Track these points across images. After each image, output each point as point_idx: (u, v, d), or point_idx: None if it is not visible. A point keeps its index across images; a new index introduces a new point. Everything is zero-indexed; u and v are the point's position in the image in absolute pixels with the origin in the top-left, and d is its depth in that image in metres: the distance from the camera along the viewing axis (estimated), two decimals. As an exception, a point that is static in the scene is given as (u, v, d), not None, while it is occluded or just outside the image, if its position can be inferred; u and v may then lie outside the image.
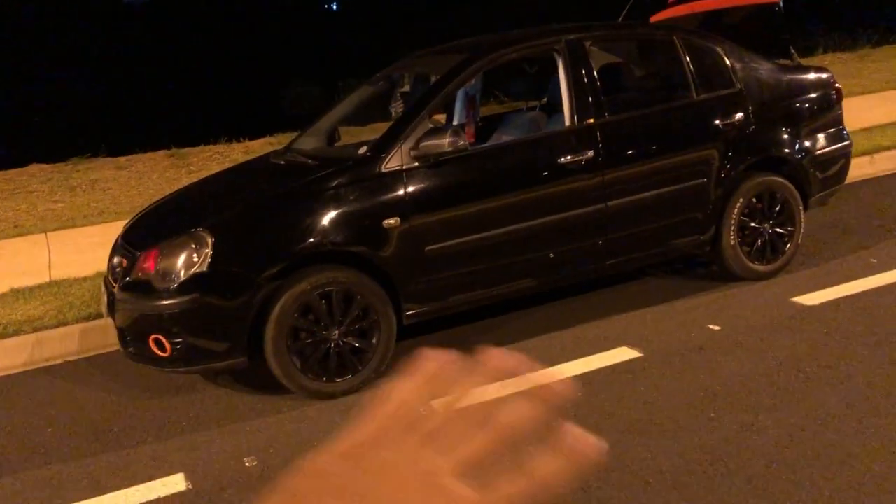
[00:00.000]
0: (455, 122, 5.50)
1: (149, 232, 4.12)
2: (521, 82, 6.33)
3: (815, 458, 2.92)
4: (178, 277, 3.64)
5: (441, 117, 5.89)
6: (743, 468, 2.90)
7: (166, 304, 3.64)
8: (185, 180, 7.56)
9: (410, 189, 3.90)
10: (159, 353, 3.71)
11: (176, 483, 3.23)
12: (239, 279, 3.65)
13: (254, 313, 3.67)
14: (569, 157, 4.21)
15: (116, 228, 4.85)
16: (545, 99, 5.39)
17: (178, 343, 3.66)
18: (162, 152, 9.63)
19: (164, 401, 4.01)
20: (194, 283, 3.62)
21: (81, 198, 8.23)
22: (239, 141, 9.98)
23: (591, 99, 4.32)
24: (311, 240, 3.72)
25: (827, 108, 5.03)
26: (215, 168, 8.06)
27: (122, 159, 9.43)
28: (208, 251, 3.63)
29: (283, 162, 4.56)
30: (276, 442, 3.47)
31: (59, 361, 4.63)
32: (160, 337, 3.66)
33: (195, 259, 3.64)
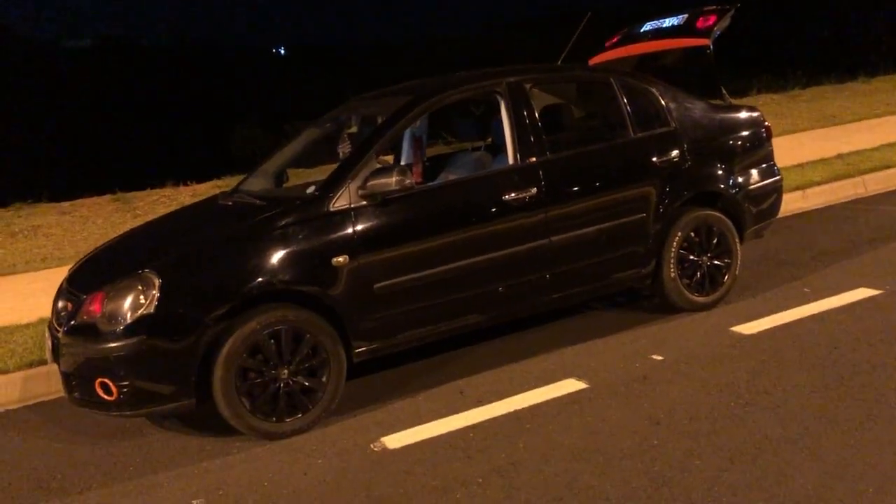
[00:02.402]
0: (402, 163, 5.60)
1: (94, 275, 4.09)
2: (467, 123, 6.47)
3: (755, 481, 3.01)
4: (125, 319, 3.61)
5: (389, 158, 5.98)
6: (685, 493, 2.98)
7: (113, 347, 3.61)
8: (131, 224, 7.48)
9: (359, 227, 3.95)
10: (105, 396, 3.66)
11: (123, 528, 3.18)
12: (187, 320, 3.64)
13: (202, 354, 3.65)
14: (513, 195, 4.32)
15: (59, 274, 4.79)
16: (490, 139, 5.53)
17: (125, 386, 3.62)
18: (107, 196, 9.54)
19: (110, 446, 3.95)
20: (141, 324, 3.60)
21: (23, 244, 8.09)
22: (186, 184, 9.95)
23: (532, 138, 4.46)
24: (260, 279, 3.74)
25: (758, 144, 5.26)
26: (161, 212, 8.01)
27: (65, 204, 9.31)
28: (155, 293, 3.62)
29: (230, 203, 4.58)
30: (225, 484, 3.44)
31: (-1, 410, 4.52)
32: (106, 380, 3.62)
33: (142, 301, 3.62)
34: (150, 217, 7.45)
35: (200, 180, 10.02)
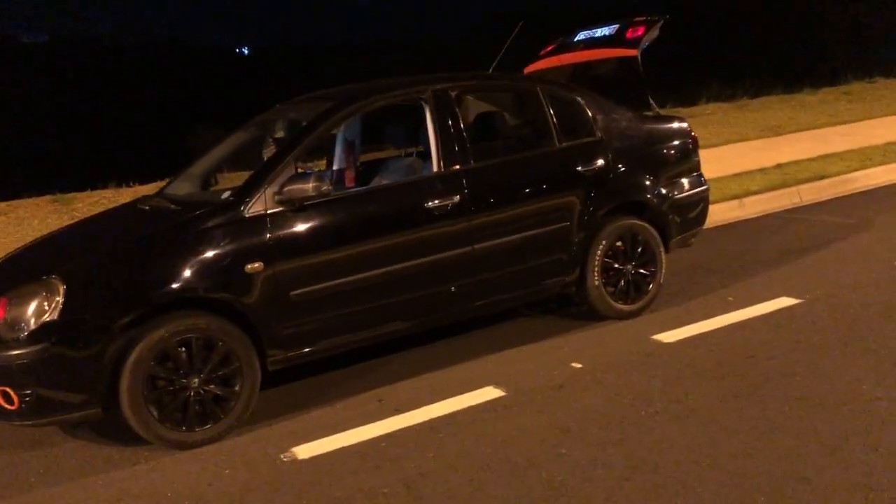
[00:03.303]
0: (335, 168, 5.56)
1: (0, 280, 3.99)
2: (406, 129, 6.45)
3: (653, 490, 3.03)
4: (28, 326, 3.52)
5: (322, 163, 5.93)
6: (584, 502, 2.99)
7: (14, 355, 3.51)
8: (66, 226, 7.32)
9: (274, 234, 3.91)
10: (6, 405, 3.56)
11: (15, 542, 3.10)
12: (92, 328, 3.56)
13: (109, 362, 3.58)
14: (436, 202, 4.31)
15: (-23, 277, 4.67)
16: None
17: (27, 395, 3.53)
18: (46, 197, 9.33)
19: (13, 456, 3.85)
20: (45, 332, 3.51)
21: (-47, 245, 7.87)
22: (129, 185, 9.78)
23: (457, 146, 4.46)
24: (169, 286, 3.67)
25: (685, 155, 5.33)
26: (99, 213, 7.86)
27: (1, 205, 9.09)
28: (60, 299, 3.53)
29: (148, 207, 4.50)
30: (127, 494, 3.37)
31: None
32: (6, 389, 3.52)
33: (46, 307, 3.54)
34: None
35: (146, 181, 9.85)
